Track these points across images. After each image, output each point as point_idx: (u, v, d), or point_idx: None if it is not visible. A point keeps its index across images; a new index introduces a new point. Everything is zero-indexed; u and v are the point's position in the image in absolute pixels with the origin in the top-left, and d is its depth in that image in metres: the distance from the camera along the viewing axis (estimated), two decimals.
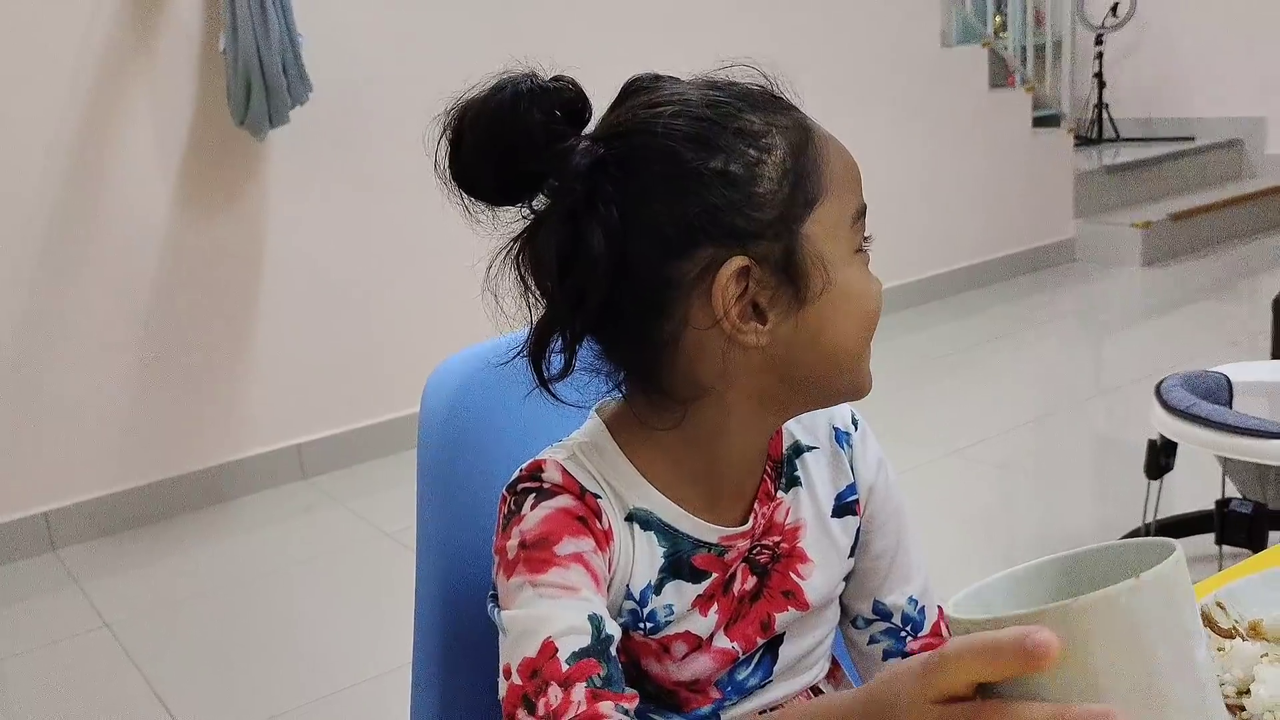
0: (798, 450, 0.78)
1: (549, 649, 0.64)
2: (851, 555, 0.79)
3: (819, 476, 0.78)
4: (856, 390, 0.71)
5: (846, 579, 0.81)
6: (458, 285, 2.93)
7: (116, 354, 2.70)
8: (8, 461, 2.60)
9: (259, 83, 2.58)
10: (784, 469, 0.77)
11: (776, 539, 0.76)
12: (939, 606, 0.82)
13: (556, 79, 0.68)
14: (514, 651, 0.65)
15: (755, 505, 0.74)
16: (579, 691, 0.63)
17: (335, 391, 3.00)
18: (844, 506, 0.79)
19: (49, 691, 2.07)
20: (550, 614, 0.65)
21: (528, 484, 0.70)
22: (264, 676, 2.06)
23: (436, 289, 3.07)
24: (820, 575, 0.77)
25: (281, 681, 2.03)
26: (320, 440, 2.98)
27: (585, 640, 0.64)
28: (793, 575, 0.76)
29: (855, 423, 0.81)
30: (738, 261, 0.64)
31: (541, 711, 0.62)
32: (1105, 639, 0.39)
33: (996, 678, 0.42)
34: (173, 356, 2.77)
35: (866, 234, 0.70)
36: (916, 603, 0.81)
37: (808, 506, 0.77)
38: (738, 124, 0.66)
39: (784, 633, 0.77)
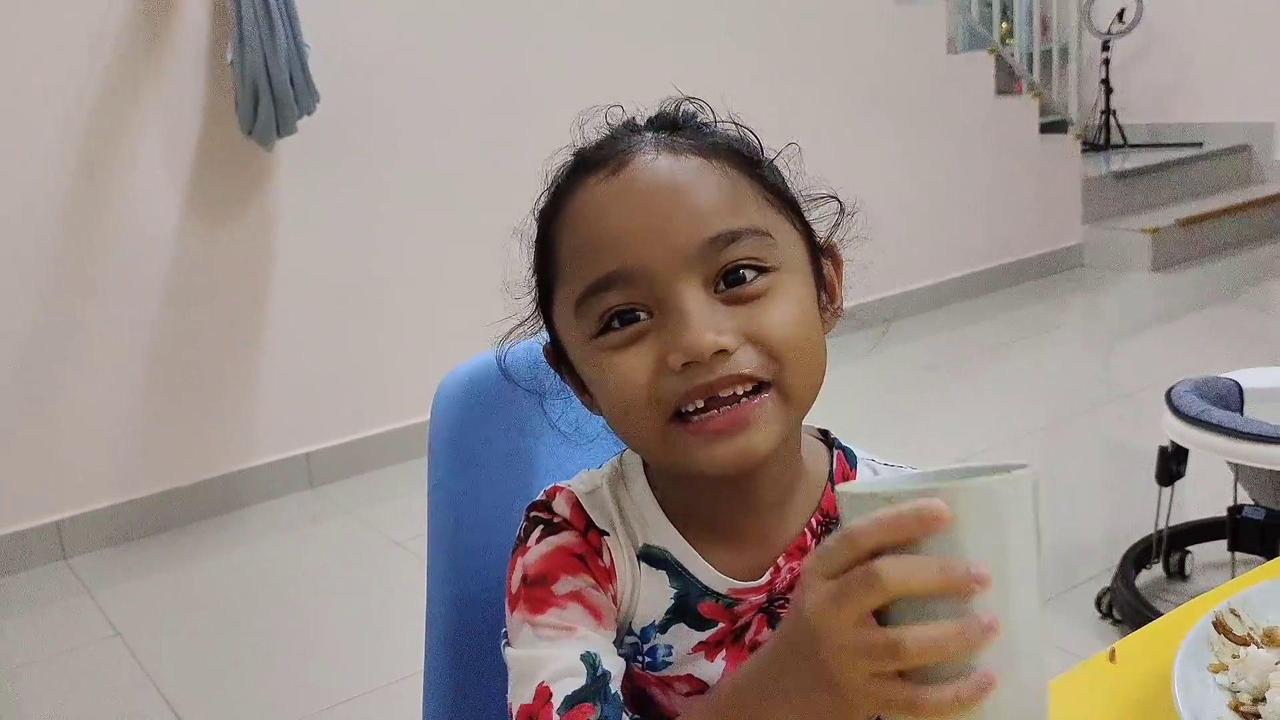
0: None
1: (543, 694, 0.64)
2: None
3: None
4: (687, 470, 0.63)
5: None
6: (465, 294, 2.95)
7: (126, 363, 2.71)
8: (19, 471, 2.61)
9: (266, 93, 2.59)
10: (836, 527, 0.71)
11: None
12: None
13: None
14: (515, 694, 0.66)
15: (781, 560, 0.70)
16: None
17: (343, 400, 3.01)
18: None
19: (61, 699, 2.07)
20: (546, 656, 0.65)
21: (540, 513, 0.71)
22: (274, 685, 2.06)
23: (444, 298, 3.08)
24: None
25: (291, 690, 2.03)
26: (328, 449, 2.99)
27: (580, 682, 0.65)
28: None
29: None
30: (545, 345, 0.71)
31: None
32: (977, 518, 0.48)
33: (897, 540, 0.48)
34: (182, 366, 2.78)
35: (609, 316, 0.62)
36: None
37: None
38: (537, 203, 0.69)
39: None
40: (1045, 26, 5.26)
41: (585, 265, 0.63)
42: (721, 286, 0.62)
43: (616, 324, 0.63)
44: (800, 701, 0.54)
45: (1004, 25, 5.10)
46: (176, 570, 2.58)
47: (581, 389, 0.70)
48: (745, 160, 0.67)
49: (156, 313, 2.73)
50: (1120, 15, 5.15)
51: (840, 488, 0.52)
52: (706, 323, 0.60)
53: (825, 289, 0.71)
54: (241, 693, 2.05)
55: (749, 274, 0.62)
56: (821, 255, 0.71)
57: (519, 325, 0.72)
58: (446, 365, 0.94)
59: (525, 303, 0.72)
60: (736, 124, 0.70)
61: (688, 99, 0.70)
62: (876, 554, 0.49)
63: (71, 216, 2.60)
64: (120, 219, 2.66)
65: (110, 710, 2.02)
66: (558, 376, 0.73)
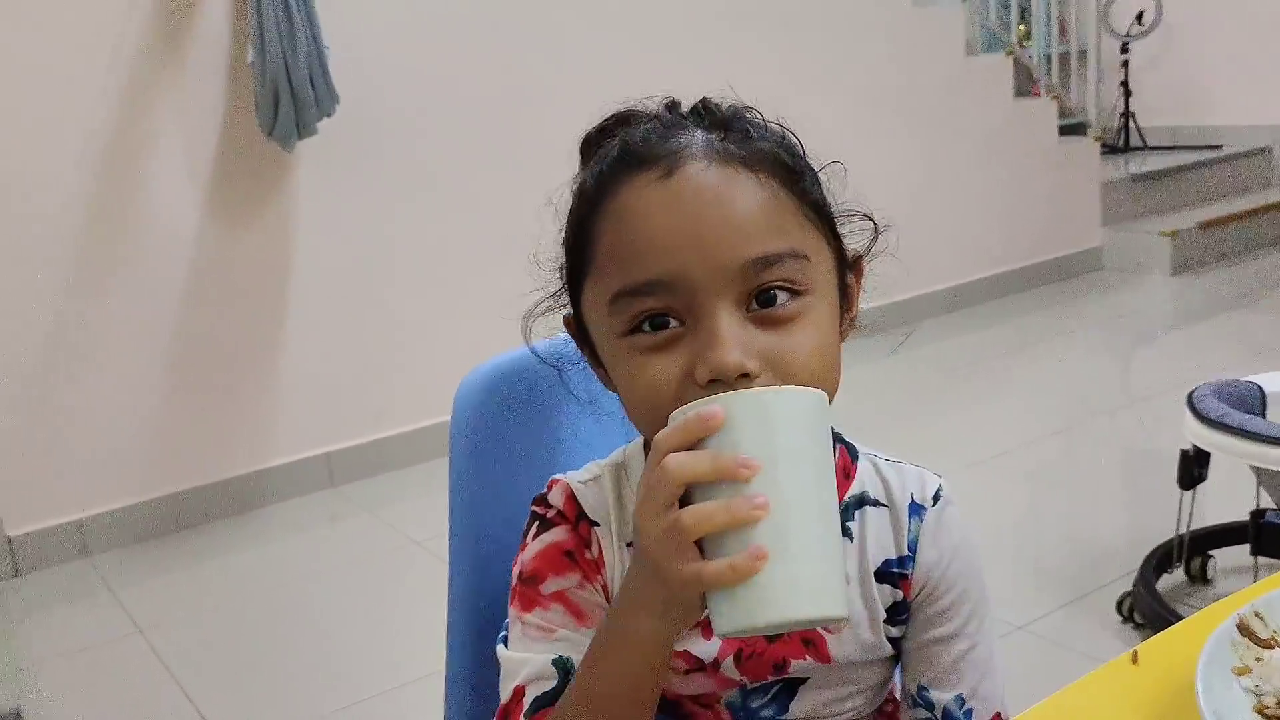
0: (860, 502, 0.74)
1: (518, 694, 0.70)
2: (893, 625, 0.75)
3: (874, 535, 0.74)
4: None
5: (898, 649, 0.76)
6: (485, 293, 2.97)
7: (147, 363, 2.73)
8: (42, 470, 2.64)
9: (287, 94, 2.61)
10: None
11: None
12: (997, 713, 0.76)
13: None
14: (501, 691, 0.71)
15: None
16: None
17: (363, 400, 3.02)
18: (888, 575, 0.74)
19: (83, 696, 2.09)
20: (524, 659, 0.70)
21: (538, 508, 0.75)
22: (295, 683, 2.07)
23: (464, 297, 3.09)
24: (850, 634, 0.73)
25: (312, 688, 2.04)
26: (348, 449, 3.00)
27: (550, 684, 0.70)
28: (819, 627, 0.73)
29: (936, 499, 0.75)
30: (566, 315, 0.73)
31: None
32: (751, 420, 0.57)
33: (686, 440, 0.57)
34: (202, 365, 2.80)
35: (642, 318, 0.64)
36: (963, 703, 0.74)
37: (854, 562, 0.73)
38: (578, 182, 0.70)
39: (807, 678, 0.75)
40: (1063, 28, 5.23)
41: (626, 266, 0.64)
42: (754, 306, 0.64)
43: (647, 326, 0.64)
44: (647, 599, 0.61)
45: (1022, 27, 5.08)
46: (198, 568, 2.60)
47: (598, 364, 0.72)
48: (789, 172, 0.67)
49: (178, 313, 2.75)
50: (1139, 17, 5.12)
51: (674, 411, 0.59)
52: (735, 343, 0.62)
53: (845, 299, 0.72)
54: (262, 690, 2.06)
55: (781, 296, 0.64)
56: (847, 267, 0.72)
57: (546, 299, 0.74)
58: (467, 365, 0.94)
59: (552, 275, 0.73)
60: (783, 128, 0.70)
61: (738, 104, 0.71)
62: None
63: (92, 217, 2.62)
64: (141, 219, 2.68)
65: (132, 706, 2.03)
66: (575, 349, 0.76)
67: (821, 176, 0.71)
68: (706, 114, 0.69)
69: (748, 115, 0.70)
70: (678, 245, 0.63)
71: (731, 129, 0.67)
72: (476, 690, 0.90)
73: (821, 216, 0.68)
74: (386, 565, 2.52)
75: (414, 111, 2.99)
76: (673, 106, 0.70)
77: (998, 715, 0.75)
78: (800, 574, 0.55)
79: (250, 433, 2.89)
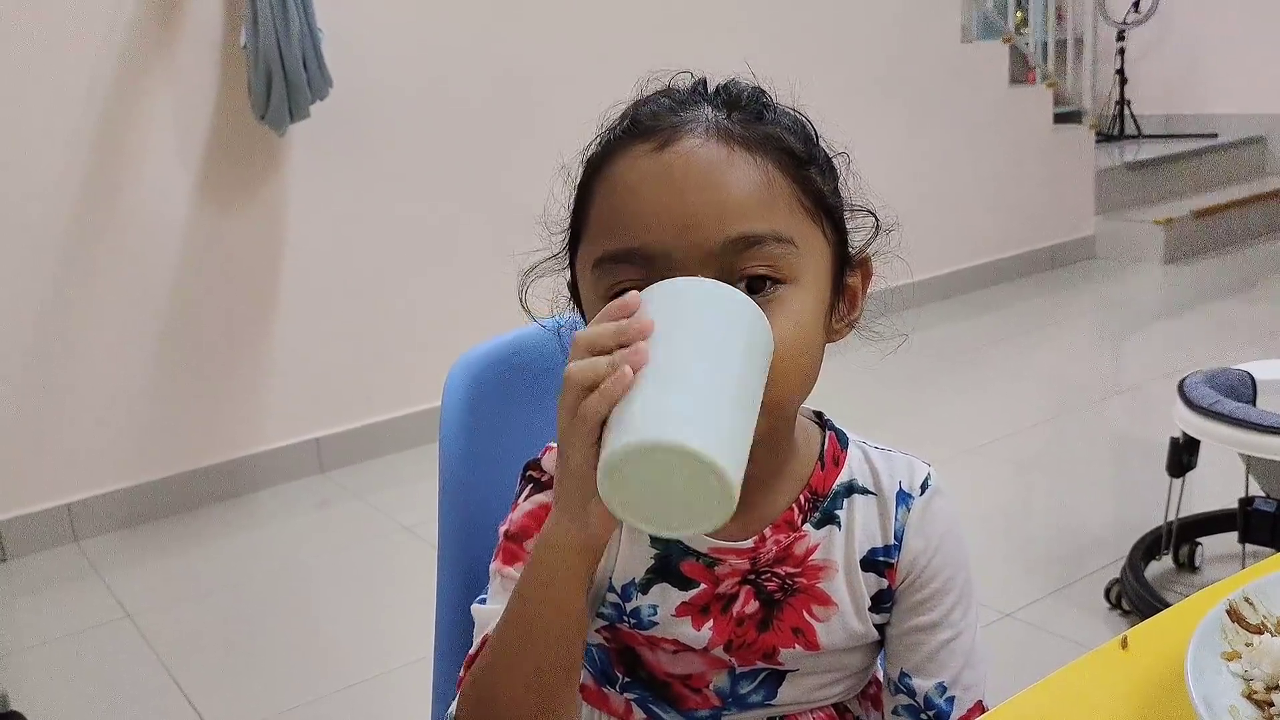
0: (849, 490, 0.74)
1: (485, 642, 0.70)
2: (878, 613, 0.75)
3: (862, 523, 0.74)
4: None
5: (883, 635, 0.76)
6: (476, 279, 2.96)
7: (137, 347, 2.72)
8: (31, 454, 2.63)
9: (279, 78, 2.59)
10: (823, 504, 0.73)
11: (792, 571, 0.73)
12: (979, 702, 0.75)
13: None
14: (473, 647, 0.71)
15: (768, 531, 0.72)
16: None
17: (353, 385, 3.01)
18: (874, 563, 0.74)
19: (71, 681, 2.08)
20: (496, 610, 0.69)
21: (532, 472, 0.76)
22: (283, 668, 2.07)
23: (454, 283, 3.08)
24: (839, 622, 0.73)
25: (300, 673, 2.04)
26: (338, 434, 3.00)
27: None
28: (807, 615, 0.73)
29: (924, 488, 0.75)
30: (569, 280, 0.73)
31: (458, 700, 0.70)
32: (656, 298, 0.59)
33: (605, 320, 0.58)
34: (192, 350, 2.79)
35: (621, 286, 0.64)
36: (945, 690, 0.74)
37: (841, 550, 0.73)
38: (587, 148, 0.70)
39: (797, 669, 0.75)
40: (1060, 16, 5.22)
41: (610, 231, 0.65)
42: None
43: (621, 293, 0.64)
44: (564, 500, 0.61)
45: (1019, 14, 5.07)
46: (186, 553, 2.60)
47: None
48: (793, 160, 0.67)
49: (167, 296, 2.74)
50: (1136, 5, 5.12)
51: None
52: None
53: (845, 298, 0.71)
54: (250, 675, 2.06)
55: (760, 283, 0.64)
56: (851, 266, 0.71)
57: (548, 259, 0.74)
58: (457, 350, 0.94)
59: (558, 239, 0.73)
60: (802, 117, 0.70)
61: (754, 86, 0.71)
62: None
63: (83, 200, 2.61)
64: (132, 202, 2.66)
65: (119, 691, 2.03)
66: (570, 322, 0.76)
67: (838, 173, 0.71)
68: (723, 92, 0.69)
69: (763, 98, 0.69)
70: (659, 218, 0.63)
71: (742, 109, 0.67)
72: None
73: (821, 208, 0.68)
74: (376, 550, 2.52)
75: (408, 95, 2.98)
76: (700, 84, 0.70)
77: (979, 704, 0.75)
78: (673, 402, 0.54)
79: (240, 418, 2.88)
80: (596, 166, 0.68)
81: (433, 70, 3.01)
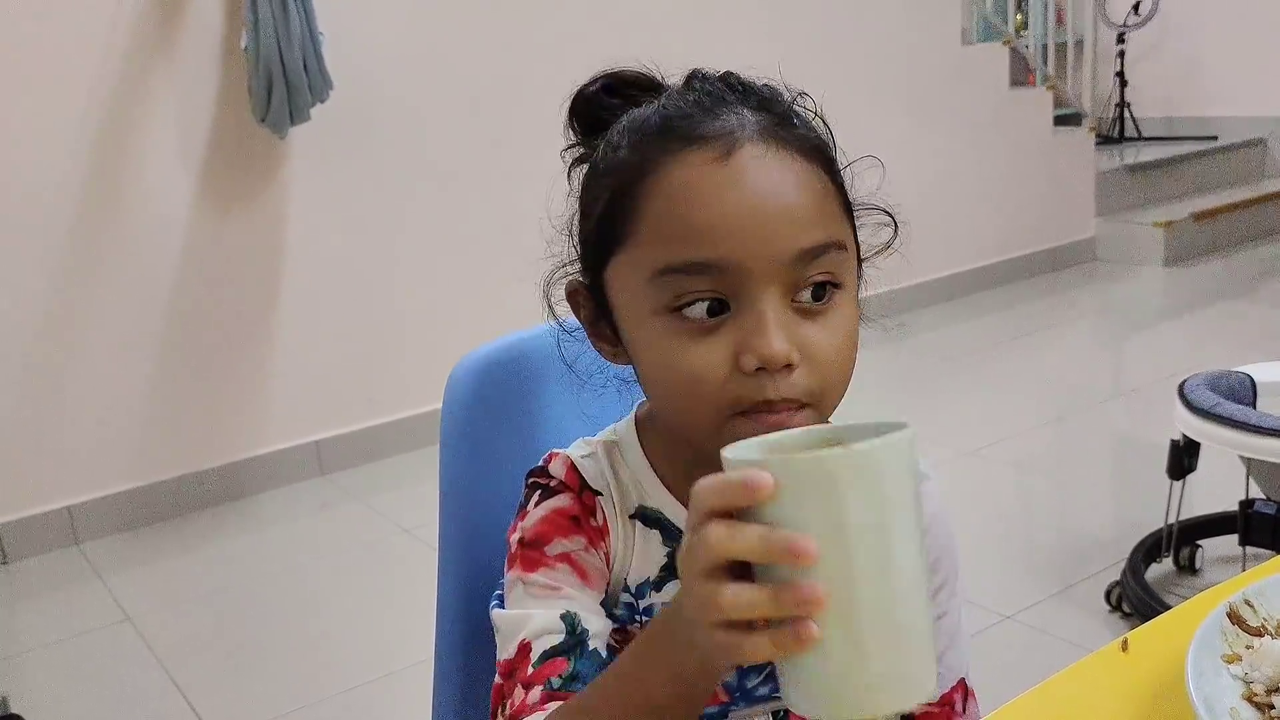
0: None
1: (524, 649, 0.68)
2: None
3: None
4: (709, 445, 0.59)
5: None
6: (476, 281, 2.95)
7: (138, 350, 2.72)
8: (32, 456, 2.63)
9: (280, 80, 2.60)
10: None
11: None
12: (962, 680, 0.76)
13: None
14: (501, 651, 0.70)
15: None
16: (535, 694, 0.67)
17: (354, 388, 3.01)
18: None
19: (71, 684, 2.08)
20: (528, 615, 0.69)
21: (538, 478, 0.75)
22: (284, 671, 2.07)
23: (455, 286, 3.08)
24: None
25: (301, 676, 2.04)
26: (338, 437, 3.00)
27: (558, 638, 0.68)
28: None
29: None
30: (571, 281, 0.71)
31: (508, 712, 0.68)
32: (807, 490, 0.47)
33: (724, 504, 0.50)
34: (193, 353, 2.79)
35: (690, 298, 0.62)
36: None
37: None
38: (610, 148, 0.68)
39: None
40: (1060, 18, 5.23)
41: (676, 243, 0.63)
42: (801, 297, 0.63)
43: (699, 310, 0.62)
44: (671, 659, 0.57)
45: (1019, 17, 5.08)
46: (187, 556, 2.59)
47: (600, 338, 0.71)
48: (831, 163, 0.67)
49: (169, 299, 2.74)
50: (1136, 7, 5.12)
51: (725, 449, 0.52)
52: (783, 332, 0.61)
53: None
54: (250, 678, 2.06)
55: (821, 290, 0.63)
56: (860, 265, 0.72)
57: (565, 265, 0.72)
58: (458, 353, 0.94)
59: (565, 241, 0.72)
60: (817, 115, 0.70)
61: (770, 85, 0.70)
62: (720, 513, 0.50)
63: (84, 203, 2.61)
64: (133, 205, 2.67)
65: (120, 694, 2.03)
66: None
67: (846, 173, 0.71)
68: (753, 96, 0.67)
69: (781, 97, 0.69)
70: (738, 229, 0.61)
71: (772, 111, 0.67)
72: (466, 677, 0.90)
73: (848, 209, 0.69)
74: (376, 553, 2.52)
75: (409, 97, 2.98)
76: (701, 78, 0.69)
77: (963, 681, 0.77)
78: (873, 668, 0.47)
79: (240, 420, 2.88)
80: (639, 173, 0.65)
81: (434, 72, 3.02)
